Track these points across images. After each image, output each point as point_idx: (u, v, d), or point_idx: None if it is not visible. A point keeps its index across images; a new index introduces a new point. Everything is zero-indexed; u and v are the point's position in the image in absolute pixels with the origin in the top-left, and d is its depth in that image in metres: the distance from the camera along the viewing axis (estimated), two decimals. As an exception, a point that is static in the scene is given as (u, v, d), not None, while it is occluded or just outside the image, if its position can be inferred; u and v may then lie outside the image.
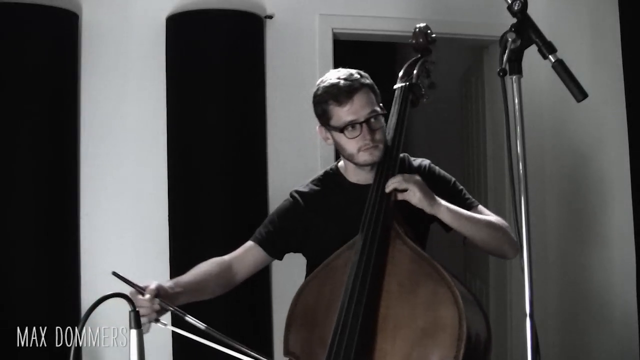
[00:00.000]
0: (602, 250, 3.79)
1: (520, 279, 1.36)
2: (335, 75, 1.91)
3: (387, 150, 1.93)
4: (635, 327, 3.54)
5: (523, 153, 1.38)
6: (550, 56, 1.39)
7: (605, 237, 3.80)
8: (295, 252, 2.07)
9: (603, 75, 3.71)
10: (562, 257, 3.76)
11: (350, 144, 1.89)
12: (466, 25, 3.58)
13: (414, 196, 1.80)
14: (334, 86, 1.88)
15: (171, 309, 1.66)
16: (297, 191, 2.04)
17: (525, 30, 1.40)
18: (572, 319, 3.75)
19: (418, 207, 1.84)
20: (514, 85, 1.39)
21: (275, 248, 2.02)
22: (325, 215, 1.99)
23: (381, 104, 1.94)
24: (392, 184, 1.84)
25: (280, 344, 1.86)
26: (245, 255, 1.99)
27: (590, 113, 3.68)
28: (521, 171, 1.39)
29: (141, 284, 1.68)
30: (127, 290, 1.62)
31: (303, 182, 2.09)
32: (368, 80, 1.92)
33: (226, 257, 1.96)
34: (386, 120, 1.99)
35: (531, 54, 1.42)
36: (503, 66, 1.39)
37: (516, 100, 1.38)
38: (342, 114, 1.87)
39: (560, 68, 1.39)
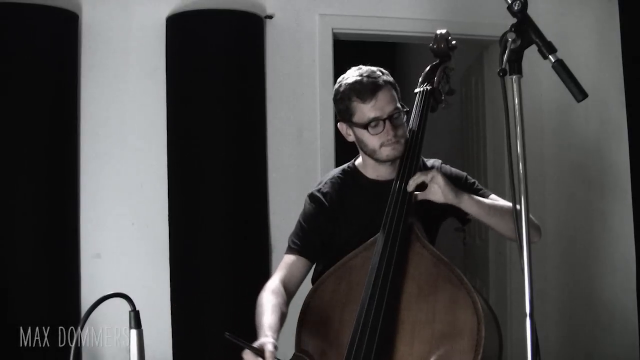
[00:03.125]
0: (602, 250, 3.79)
1: (520, 279, 1.36)
2: (358, 73, 1.91)
3: (408, 148, 1.94)
4: (635, 327, 3.54)
5: (523, 153, 1.38)
6: (550, 56, 1.39)
7: (605, 237, 3.80)
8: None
9: (603, 76, 3.71)
10: (562, 257, 3.75)
11: (372, 140, 1.89)
12: (466, 25, 3.57)
13: (438, 190, 1.81)
14: (357, 83, 1.88)
15: None
16: (319, 191, 2.01)
17: (525, 30, 1.40)
18: (572, 319, 3.75)
19: (429, 210, 1.85)
20: (514, 85, 1.39)
21: (313, 253, 1.98)
22: (346, 213, 1.98)
23: (401, 102, 1.94)
24: (413, 181, 1.85)
25: (280, 343, 1.85)
26: (292, 271, 1.94)
27: (590, 113, 3.68)
28: (521, 171, 1.39)
29: (253, 343, 1.59)
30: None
31: (321, 180, 2.08)
32: (390, 78, 1.93)
33: (277, 281, 1.89)
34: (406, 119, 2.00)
35: (531, 54, 1.42)
36: (503, 66, 1.39)
37: (516, 100, 1.38)
38: (366, 110, 1.87)
39: (560, 68, 1.39)
